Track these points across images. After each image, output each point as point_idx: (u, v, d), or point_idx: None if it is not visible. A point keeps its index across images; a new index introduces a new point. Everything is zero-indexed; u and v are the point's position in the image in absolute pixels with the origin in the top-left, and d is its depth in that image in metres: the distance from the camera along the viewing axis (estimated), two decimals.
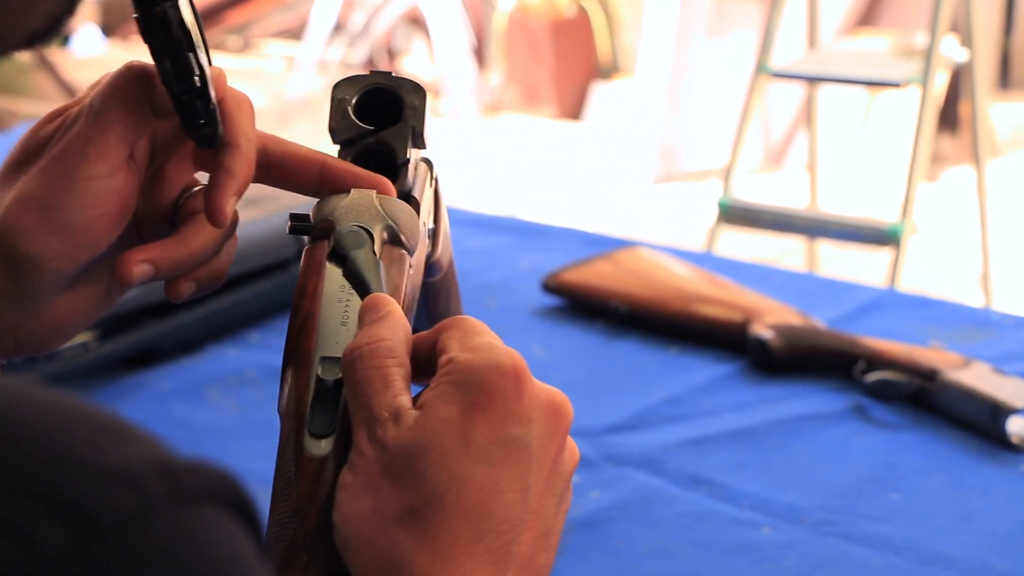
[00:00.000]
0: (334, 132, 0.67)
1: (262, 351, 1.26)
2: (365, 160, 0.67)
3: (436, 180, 0.72)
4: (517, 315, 1.35)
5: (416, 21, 5.34)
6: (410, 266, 0.65)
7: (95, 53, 5.69)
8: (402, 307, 0.63)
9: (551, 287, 1.36)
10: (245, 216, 1.32)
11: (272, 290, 1.31)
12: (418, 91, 0.67)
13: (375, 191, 0.65)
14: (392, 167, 0.67)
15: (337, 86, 0.68)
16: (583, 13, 4.96)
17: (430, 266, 0.72)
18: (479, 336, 0.60)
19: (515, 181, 4.41)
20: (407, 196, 0.67)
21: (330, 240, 0.64)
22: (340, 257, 0.64)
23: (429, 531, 0.56)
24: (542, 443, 0.60)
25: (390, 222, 0.65)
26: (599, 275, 1.36)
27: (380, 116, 0.67)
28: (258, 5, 5.80)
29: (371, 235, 0.64)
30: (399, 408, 0.58)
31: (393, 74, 0.68)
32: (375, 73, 0.68)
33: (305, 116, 5.06)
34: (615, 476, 1.06)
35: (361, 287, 0.63)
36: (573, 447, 0.63)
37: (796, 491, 1.04)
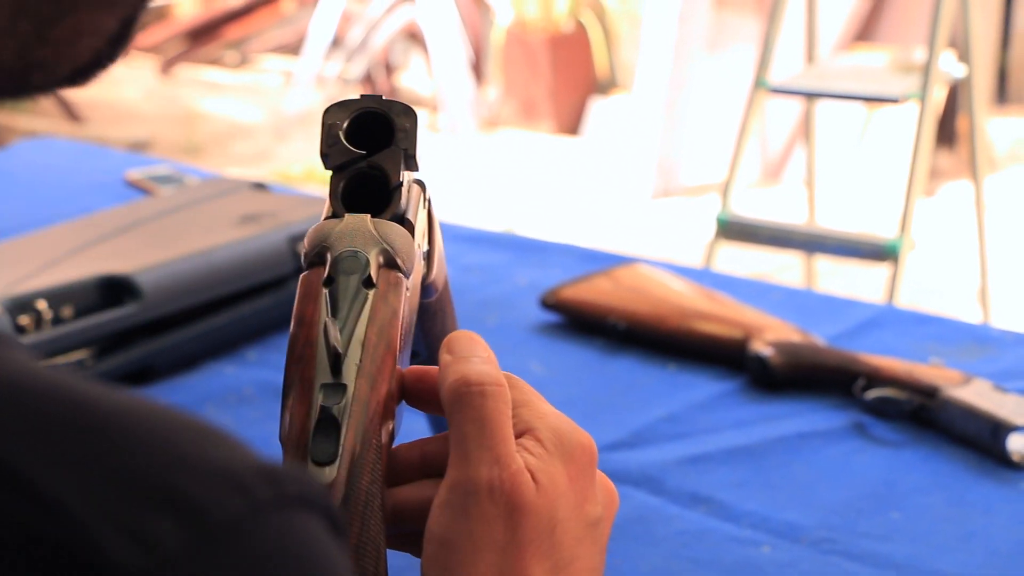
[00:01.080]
0: (326, 157, 0.67)
1: (260, 368, 1.25)
2: (358, 184, 0.66)
3: (429, 201, 0.72)
4: (515, 331, 1.34)
5: (414, 36, 5.35)
6: (407, 289, 0.65)
7: None
8: (400, 331, 0.63)
9: (549, 304, 1.35)
10: (243, 232, 1.33)
11: (270, 307, 1.31)
12: (409, 113, 0.67)
13: (369, 215, 0.65)
14: (385, 191, 0.66)
15: (327, 111, 0.67)
16: (581, 28, 4.97)
17: (425, 288, 0.72)
18: (544, 403, 0.66)
19: (513, 196, 4.41)
20: (402, 219, 0.66)
21: (326, 266, 0.64)
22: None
23: None
24: (605, 526, 0.65)
25: (385, 246, 0.64)
26: (597, 292, 1.35)
27: (372, 140, 0.67)
28: (256, 20, 5.80)
29: (367, 259, 0.64)
30: (519, 464, 0.61)
31: (384, 97, 0.67)
32: (365, 97, 0.67)
33: (303, 131, 5.06)
34: None
35: (332, 311, 0.62)
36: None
37: (796, 509, 1.03)
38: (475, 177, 4.55)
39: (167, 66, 5.77)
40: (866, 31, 4.44)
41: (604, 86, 5.03)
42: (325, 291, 0.63)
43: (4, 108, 4.89)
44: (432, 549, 0.60)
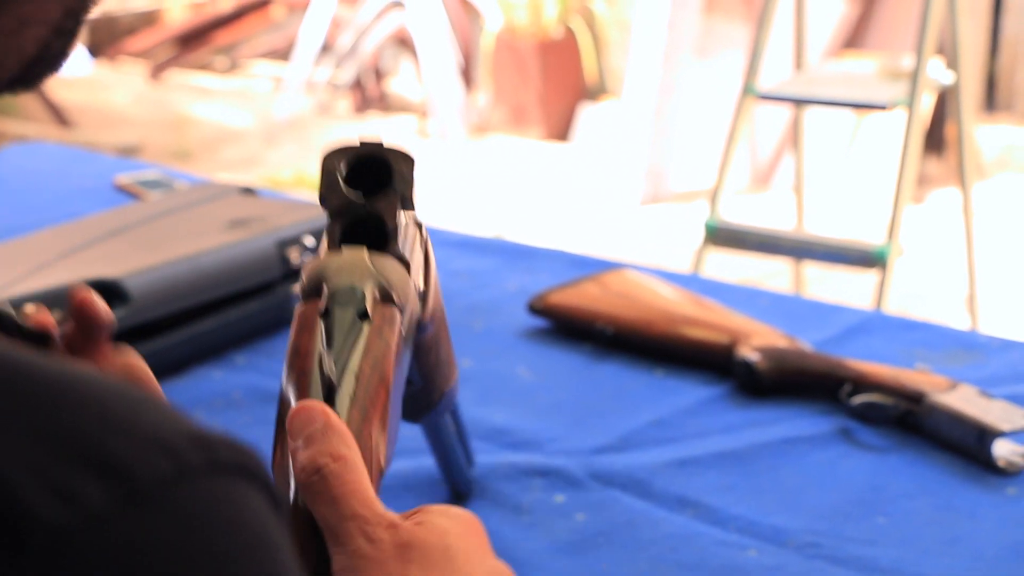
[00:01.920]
0: (324, 201, 0.68)
1: (248, 373, 1.25)
2: (356, 227, 0.67)
3: (427, 241, 0.72)
4: (503, 337, 1.35)
5: (404, 42, 5.35)
6: (401, 324, 0.65)
7: (82, 73, 5.68)
8: (394, 363, 0.64)
9: (537, 309, 1.36)
10: (232, 237, 1.33)
11: (259, 311, 1.31)
12: (406, 159, 0.68)
13: (366, 248, 0.66)
14: (382, 233, 0.67)
15: (327, 156, 0.68)
16: (570, 34, 4.97)
17: (422, 326, 0.72)
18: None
19: (502, 202, 4.41)
20: (398, 258, 0.67)
21: (322, 298, 0.64)
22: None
23: None
24: None
25: (381, 280, 0.65)
26: (585, 297, 1.35)
27: (369, 181, 0.68)
28: (246, 26, 5.80)
29: (363, 293, 0.64)
30: (393, 518, 0.61)
31: (382, 143, 0.68)
32: (364, 143, 0.68)
33: (292, 136, 5.06)
34: (601, 498, 1.06)
35: (328, 343, 0.63)
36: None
37: (783, 514, 1.04)
38: (464, 182, 4.56)
39: (157, 71, 5.77)
40: (855, 38, 4.45)
41: (593, 92, 5.04)
42: (321, 323, 0.63)
43: None
44: None
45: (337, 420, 0.61)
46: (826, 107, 3.14)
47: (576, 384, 1.26)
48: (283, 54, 5.59)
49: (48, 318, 0.69)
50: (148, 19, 6.04)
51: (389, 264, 0.66)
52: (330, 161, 0.68)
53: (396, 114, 5.37)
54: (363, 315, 0.64)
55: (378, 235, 0.67)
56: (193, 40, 5.81)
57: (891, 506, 1.05)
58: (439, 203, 4.36)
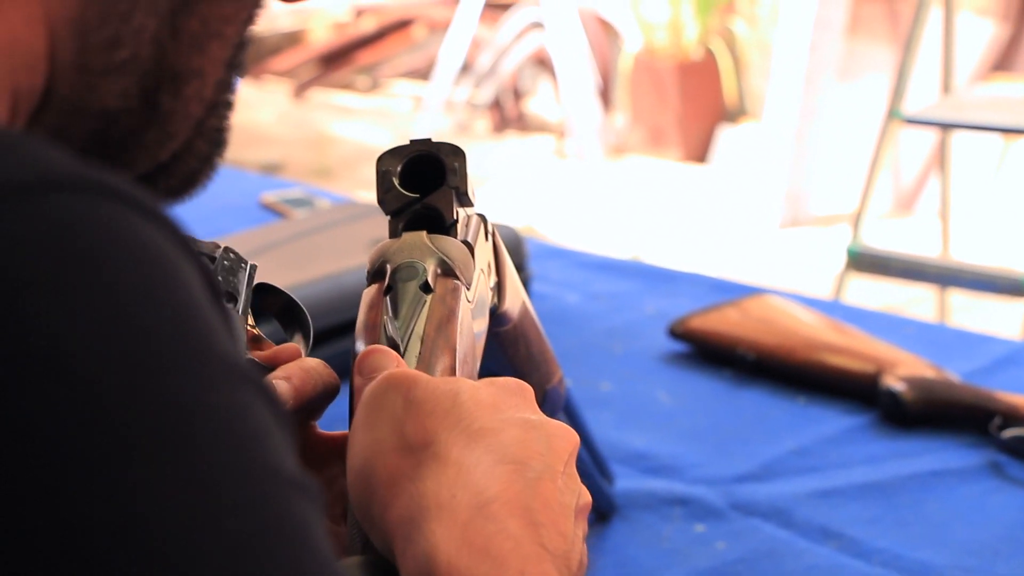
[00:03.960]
0: (383, 203, 0.70)
1: None
2: (416, 225, 0.69)
3: (494, 234, 0.73)
4: (643, 360, 1.34)
5: (543, 62, 5.37)
6: (468, 300, 0.67)
7: None
8: (459, 330, 0.65)
9: (678, 333, 1.35)
10: (340, 266, 1.34)
11: None
12: (457, 153, 0.70)
13: (425, 231, 0.67)
14: (441, 229, 0.69)
15: (380, 159, 0.70)
16: (710, 56, 4.94)
17: (498, 317, 0.74)
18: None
19: (639, 223, 4.39)
20: (462, 241, 0.69)
21: (385, 278, 0.65)
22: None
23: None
24: (548, 431, 0.58)
25: (442, 256, 0.66)
26: (726, 322, 1.34)
27: (426, 182, 0.69)
28: (388, 46, 5.87)
29: (424, 268, 0.66)
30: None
31: (432, 139, 0.70)
32: (415, 142, 0.70)
33: None
34: (742, 527, 1.05)
35: (393, 314, 0.64)
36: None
37: (929, 548, 1.01)
38: (602, 204, 4.55)
39: (300, 90, 5.87)
40: (1004, 61, 4.36)
41: (733, 114, 5.00)
42: (386, 298, 0.65)
43: None
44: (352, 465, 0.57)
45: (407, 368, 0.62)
46: (974, 132, 3.08)
47: (716, 410, 1.25)
48: (423, 74, 5.65)
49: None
50: (292, 39, 6.15)
51: (449, 243, 0.67)
52: (384, 164, 0.70)
53: (534, 134, 5.39)
54: (425, 287, 0.65)
55: (438, 229, 0.69)
56: (336, 60, 5.90)
57: None
58: (576, 223, 4.36)
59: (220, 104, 0.53)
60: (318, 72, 5.91)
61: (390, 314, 0.64)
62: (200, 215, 1.78)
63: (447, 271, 0.66)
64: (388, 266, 0.66)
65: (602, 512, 1.05)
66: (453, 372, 0.64)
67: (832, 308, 1.48)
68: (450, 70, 5.17)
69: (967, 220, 3.98)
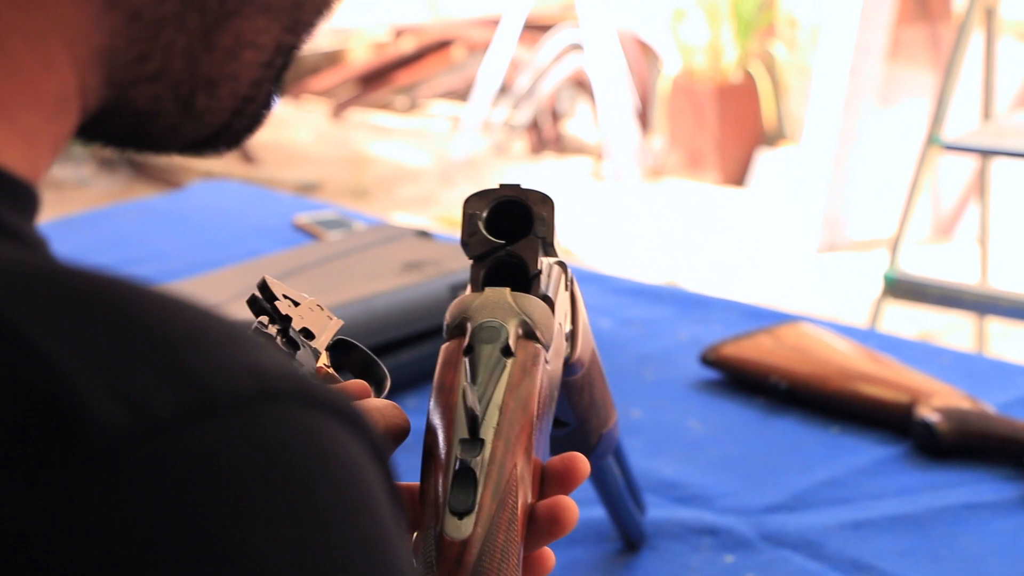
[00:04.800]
0: (467, 247, 0.69)
1: (419, 416, 1.25)
2: (498, 271, 0.68)
3: (573, 282, 0.73)
4: (674, 387, 1.33)
5: (581, 84, 5.37)
6: (546, 361, 0.66)
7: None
8: (537, 402, 0.64)
9: (710, 360, 1.34)
10: (405, 280, 1.34)
11: (430, 355, 1.31)
12: (547, 202, 0.69)
13: (508, 288, 0.66)
14: (524, 278, 0.68)
15: (468, 201, 0.69)
16: (749, 79, 4.93)
17: (570, 366, 0.73)
18: None
19: (676, 247, 4.38)
20: (542, 297, 0.68)
21: (466, 336, 0.65)
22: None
23: None
24: None
25: (524, 317, 0.65)
26: (759, 350, 1.33)
27: (511, 226, 0.69)
28: (426, 66, 5.89)
29: (506, 330, 0.65)
30: None
31: (521, 186, 0.69)
32: (504, 186, 0.69)
33: (468, 176, 5.11)
34: (772, 558, 1.03)
35: (472, 378, 0.63)
36: None
37: None
38: (639, 226, 4.54)
39: (338, 110, 5.89)
40: None
41: (772, 137, 4.99)
42: (465, 359, 0.64)
43: None
44: None
45: None
46: (1015, 159, 3.05)
47: (748, 439, 1.24)
48: (462, 94, 5.66)
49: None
50: (332, 59, 6.17)
51: (532, 302, 0.66)
52: (471, 207, 0.69)
53: (572, 156, 5.39)
54: (506, 351, 0.64)
55: (521, 278, 0.68)
56: (375, 80, 5.92)
57: None
58: (613, 246, 4.35)
59: (257, 97, 0.53)
60: (357, 92, 5.94)
61: (469, 379, 0.63)
62: (233, 235, 1.80)
63: (528, 333, 0.65)
64: (469, 324, 0.65)
65: (632, 542, 1.04)
66: (531, 443, 0.63)
67: (867, 336, 1.46)
68: (488, 91, 5.17)
69: (1007, 247, 3.95)
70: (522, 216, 0.68)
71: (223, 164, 5.01)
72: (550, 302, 0.67)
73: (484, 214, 0.68)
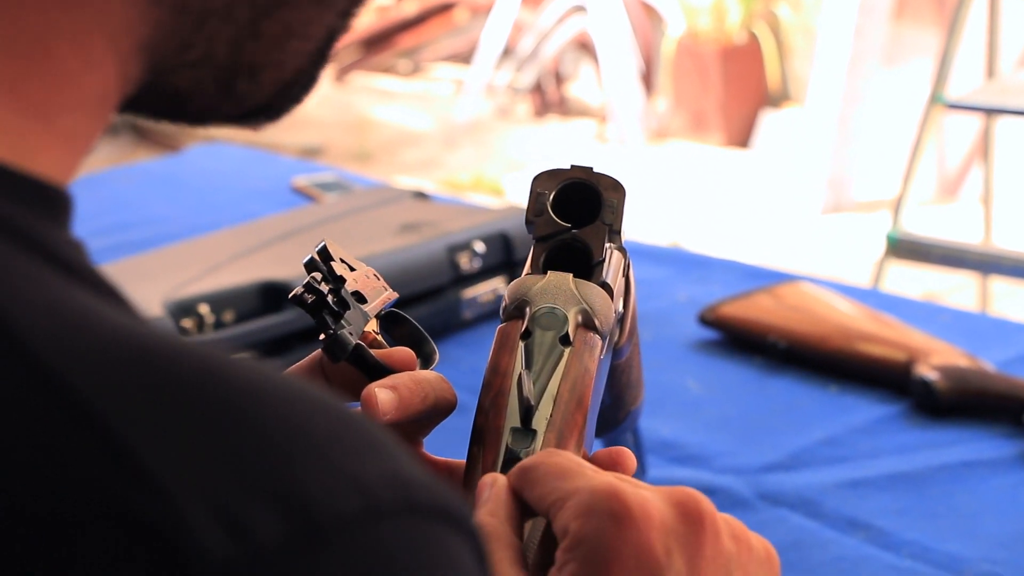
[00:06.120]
0: (531, 225, 0.67)
1: None
2: (560, 254, 0.67)
3: (629, 266, 0.71)
4: (672, 347, 1.32)
5: (584, 46, 5.35)
6: (603, 351, 0.65)
7: None
8: (589, 392, 0.63)
9: (708, 320, 1.33)
10: (403, 241, 1.33)
11: (428, 316, 1.31)
12: (618, 188, 0.67)
13: (571, 274, 0.65)
14: (587, 264, 0.66)
15: (537, 178, 0.68)
16: (753, 40, 4.91)
17: (618, 350, 0.72)
18: (571, 480, 0.55)
19: (680, 209, 4.37)
20: (602, 284, 0.66)
21: (524, 319, 0.64)
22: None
23: None
24: (687, 559, 0.54)
25: (585, 306, 0.64)
26: (758, 309, 1.32)
27: (577, 209, 0.67)
28: (429, 29, 5.86)
29: (565, 317, 0.64)
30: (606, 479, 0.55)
31: (593, 169, 0.68)
32: (575, 167, 0.68)
33: (471, 139, 5.09)
34: (769, 517, 1.03)
35: (527, 364, 0.62)
36: (726, 521, 0.57)
37: (959, 541, 1.00)
38: (643, 189, 4.53)
39: (342, 74, 5.87)
40: None
41: (776, 99, 4.96)
42: (521, 344, 0.63)
43: None
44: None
45: (501, 482, 0.58)
46: (1019, 117, 3.04)
47: (746, 398, 1.23)
48: (465, 57, 5.64)
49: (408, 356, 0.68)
50: None
51: (593, 291, 0.65)
52: (539, 185, 0.68)
53: (575, 118, 5.37)
54: (564, 339, 0.63)
55: (583, 263, 0.66)
56: (377, 43, 5.90)
57: None
58: None
59: (300, 80, 0.52)
60: (359, 55, 5.91)
61: (525, 367, 0.62)
62: (230, 198, 1.79)
63: (587, 322, 0.64)
64: (528, 308, 0.64)
65: None
66: (583, 436, 0.62)
67: (869, 296, 1.46)
68: (492, 54, 5.15)
69: (1011, 207, 3.94)
70: (590, 200, 0.67)
71: (226, 129, 5.00)
72: (609, 290, 0.66)
73: (551, 195, 0.67)
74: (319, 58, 0.51)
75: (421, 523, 0.38)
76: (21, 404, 0.36)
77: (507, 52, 5.28)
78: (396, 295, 0.70)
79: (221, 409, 0.37)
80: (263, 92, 0.50)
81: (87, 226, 0.40)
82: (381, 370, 0.65)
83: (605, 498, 0.53)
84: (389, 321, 0.71)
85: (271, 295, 1.23)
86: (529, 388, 0.61)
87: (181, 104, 0.49)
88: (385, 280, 0.70)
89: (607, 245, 0.67)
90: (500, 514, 0.57)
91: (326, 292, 0.65)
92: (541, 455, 0.58)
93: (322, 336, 0.65)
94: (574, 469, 0.56)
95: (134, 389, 0.37)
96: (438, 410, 0.65)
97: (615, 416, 0.83)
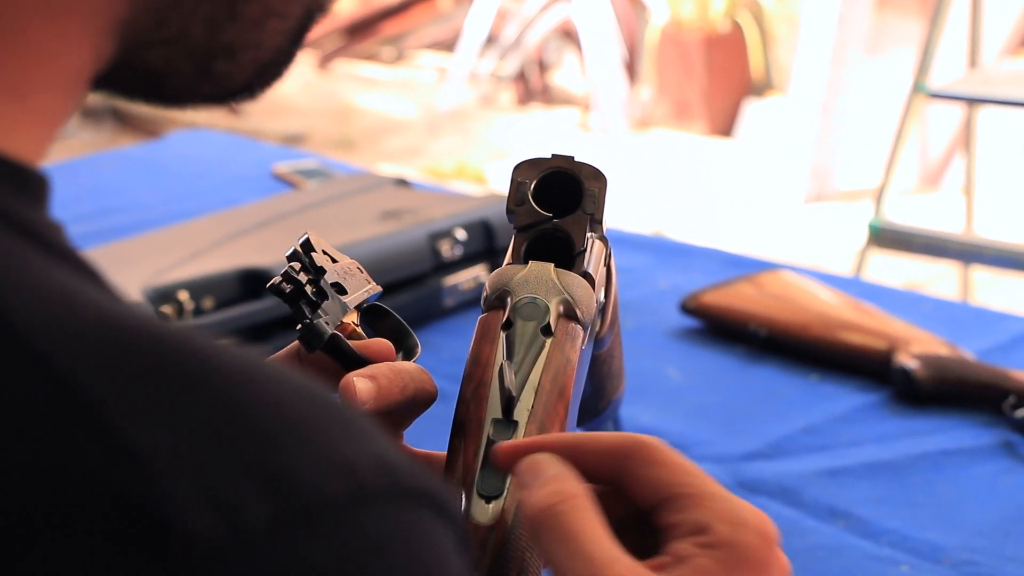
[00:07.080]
0: (512, 215, 0.67)
1: None
2: (542, 244, 0.66)
3: (610, 256, 0.71)
4: (653, 336, 1.32)
5: (568, 34, 5.34)
6: (584, 342, 0.64)
7: None
8: (571, 383, 0.62)
9: (690, 308, 1.33)
10: (384, 228, 1.33)
11: (409, 303, 1.31)
12: (599, 177, 0.67)
13: (552, 264, 0.65)
14: (569, 253, 0.66)
15: (517, 168, 0.67)
16: (737, 29, 4.91)
17: (599, 340, 0.71)
18: (729, 502, 0.54)
19: (663, 197, 4.37)
20: (583, 274, 0.66)
21: (505, 310, 0.63)
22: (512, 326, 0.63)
23: None
24: None
25: (567, 296, 0.64)
26: (740, 298, 1.32)
27: (559, 198, 0.67)
28: (413, 17, 5.85)
29: (547, 307, 0.63)
30: (621, 556, 0.53)
31: (575, 158, 0.67)
32: (556, 156, 0.67)
33: (455, 127, 5.09)
34: None
35: (508, 354, 0.62)
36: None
37: (938, 529, 1.00)
38: (626, 177, 4.53)
39: (325, 61, 5.86)
40: None
41: (759, 88, 4.97)
42: (503, 334, 0.63)
43: None
44: None
45: (559, 465, 0.56)
46: (1001, 107, 3.04)
47: (727, 387, 1.23)
48: (448, 45, 5.63)
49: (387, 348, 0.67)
50: None
51: (575, 281, 0.65)
52: (520, 174, 0.67)
53: (559, 107, 5.37)
54: (546, 330, 0.63)
55: (564, 252, 0.66)
56: (361, 31, 5.88)
57: None
58: None
59: (279, 59, 0.51)
60: (343, 43, 5.90)
61: (506, 358, 0.62)
62: (211, 185, 1.79)
63: (569, 312, 0.64)
64: (509, 298, 0.64)
65: None
66: (564, 426, 0.61)
67: (850, 285, 1.46)
68: (475, 41, 5.15)
69: (993, 196, 3.95)
70: (571, 189, 0.66)
71: (208, 115, 4.98)
72: (591, 280, 0.66)
73: (532, 184, 0.67)
74: (297, 36, 0.51)
75: (407, 508, 0.39)
76: (8, 385, 0.36)
77: (491, 40, 5.27)
78: (379, 289, 0.70)
79: (210, 391, 0.38)
80: (242, 72, 0.50)
81: (67, 212, 0.39)
82: (358, 360, 0.65)
83: (760, 518, 0.53)
84: (372, 315, 0.71)
85: (251, 282, 1.23)
86: (510, 379, 0.61)
87: (156, 84, 0.49)
88: (366, 268, 0.70)
89: (588, 234, 0.66)
90: (582, 484, 0.54)
91: (304, 282, 0.65)
92: (655, 439, 0.57)
93: (299, 325, 0.64)
94: (697, 469, 0.56)
95: (123, 371, 0.37)
96: (417, 401, 0.64)
97: (596, 405, 0.83)
